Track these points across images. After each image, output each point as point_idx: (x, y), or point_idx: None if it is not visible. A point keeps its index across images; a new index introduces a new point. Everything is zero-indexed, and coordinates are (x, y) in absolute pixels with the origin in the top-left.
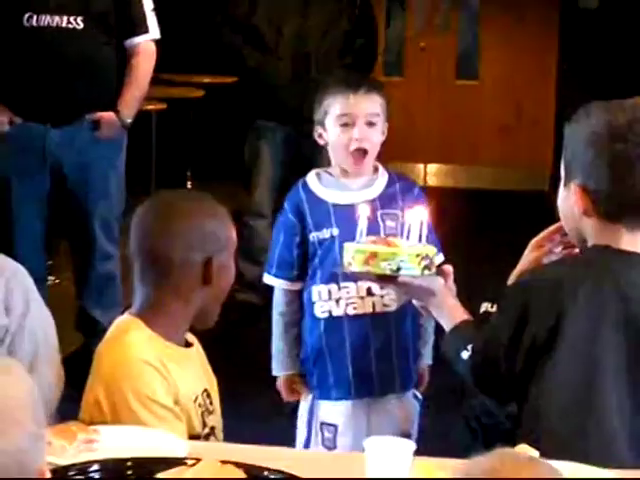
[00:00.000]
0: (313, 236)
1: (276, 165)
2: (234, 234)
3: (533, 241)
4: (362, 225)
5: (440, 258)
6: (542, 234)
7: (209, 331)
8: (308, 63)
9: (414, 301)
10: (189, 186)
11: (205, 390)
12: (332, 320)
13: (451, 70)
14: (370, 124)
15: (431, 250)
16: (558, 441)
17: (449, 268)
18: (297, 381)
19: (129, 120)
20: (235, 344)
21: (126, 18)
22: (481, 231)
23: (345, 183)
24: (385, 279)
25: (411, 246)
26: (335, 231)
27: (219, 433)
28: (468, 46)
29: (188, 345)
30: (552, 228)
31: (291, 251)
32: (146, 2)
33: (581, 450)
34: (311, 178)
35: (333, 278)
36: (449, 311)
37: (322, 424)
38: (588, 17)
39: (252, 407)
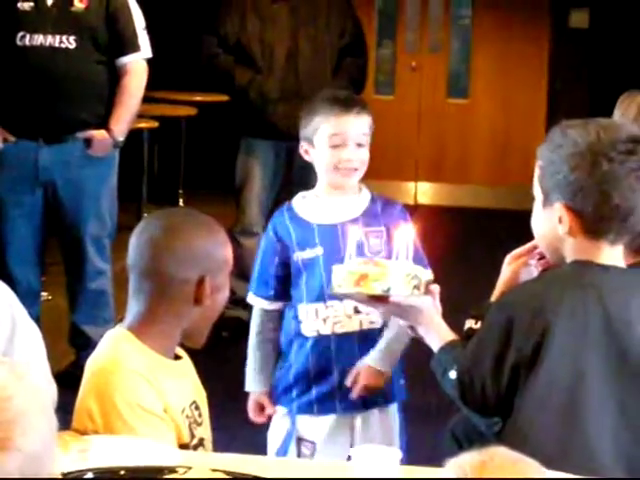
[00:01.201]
0: (297, 256)
1: (267, 183)
2: (230, 256)
3: (509, 255)
4: (351, 247)
5: (429, 274)
6: (519, 250)
7: None
8: (298, 83)
9: (401, 321)
10: (181, 203)
11: (194, 402)
12: (320, 339)
13: (442, 89)
14: (359, 145)
15: (420, 270)
16: (542, 455)
17: (435, 288)
18: (265, 400)
19: (121, 138)
20: (224, 359)
21: (118, 37)
22: (472, 249)
23: (329, 203)
24: (376, 299)
25: (400, 266)
26: (319, 250)
27: (208, 444)
28: (459, 65)
29: (177, 358)
30: (529, 246)
31: (269, 271)
32: (138, 21)
33: (564, 464)
34: (296, 200)
35: (319, 297)
36: (437, 331)
37: (299, 439)
38: (578, 37)
39: (240, 421)
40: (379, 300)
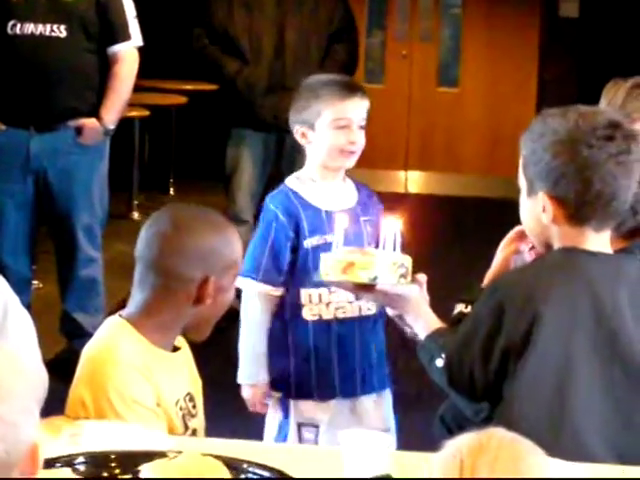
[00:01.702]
0: (307, 243)
1: (256, 172)
2: (240, 256)
3: (503, 242)
4: (339, 235)
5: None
6: (511, 234)
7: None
8: (285, 74)
9: (389, 309)
10: (171, 192)
11: (188, 394)
12: (321, 323)
13: (432, 77)
14: (361, 127)
15: (407, 259)
16: (531, 441)
17: (423, 277)
18: (267, 389)
19: (112, 126)
20: (217, 348)
21: (108, 25)
22: (461, 238)
23: (328, 189)
24: (362, 288)
25: (387, 255)
26: (330, 237)
27: (201, 435)
28: (449, 54)
29: (176, 349)
30: (518, 230)
31: (281, 258)
32: (128, 9)
33: (554, 451)
34: (296, 184)
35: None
36: (424, 319)
37: (300, 425)
38: (569, 26)
39: (233, 410)
40: (366, 289)
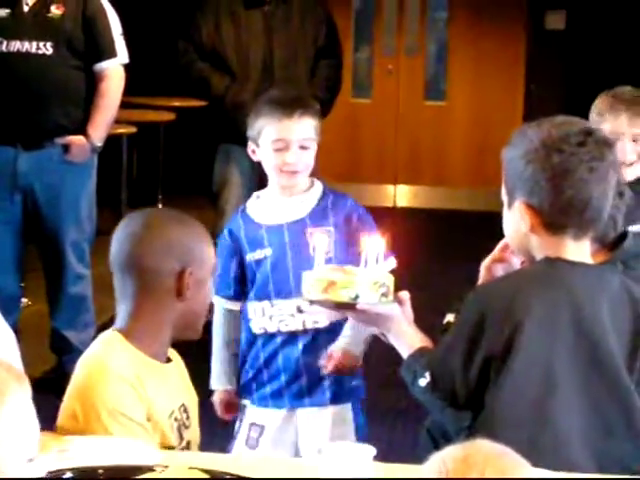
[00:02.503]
0: (249, 257)
1: (244, 187)
2: (212, 255)
3: (484, 265)
4: (320, 254)
5: (392, 262)
6: (491, 257)
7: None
8: (273, 88)
9: (371, 328)
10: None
11: (182, 405)
12: (267, 336)
13: (419, 91)
14: (303, 147)
15: (389, 277)
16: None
17: (405, 295)
18: (233, 397)
19: (99, 144)
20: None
21: (95, 43)
22: (450, 250)
23: (278, 203)
24: (344, 307)
25: (368, 274)
26: (268, 251)
27: (194, 447)
28: (436, 68)
29: (169, 361)
30: (500, 246)
31: (228, 272)
32: (114, 27)
33: (535, 460)
34: (251, 202)
35: (266, 296)
36: (407, 338)
37: (251, 424)
38: (555, 38)
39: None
40: (347, 307)
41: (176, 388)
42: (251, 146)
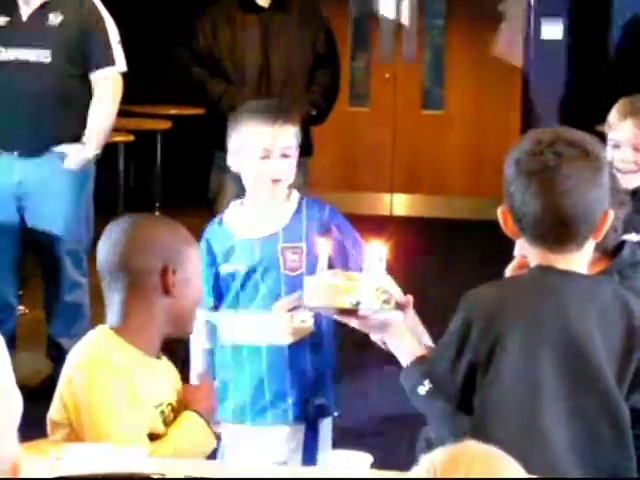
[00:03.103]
0: (222, 268)
1: (240, 195)
2: (195, 255)
3: (508, 270)
4: (322, 260)
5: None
6: (514, 261)
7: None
8: (270, 95)
9: (372, 335)
10: None
11: (170, 404)
12: (234, 347)
13: (416, 100)
14: (284, 156)
15: (391, 284)
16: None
17: (409, 298)
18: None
19: (96, 152)
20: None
21: (93, 51)
22: (447, 260)
23: (254, 215)
24: (345, 313)
25: (371, 280)
26: (239, 265)
27: None
28: (433, 76)
29: (159, 358)
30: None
31: (208, 281)
32: (112, 35)
33: (524, 462)
34: (229, 210)
35: (235, 308)
36: (407, 346)
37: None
38: (553, 48)
39: None
40: (348, 313)
41: (164, 385)
42: (230, 156)
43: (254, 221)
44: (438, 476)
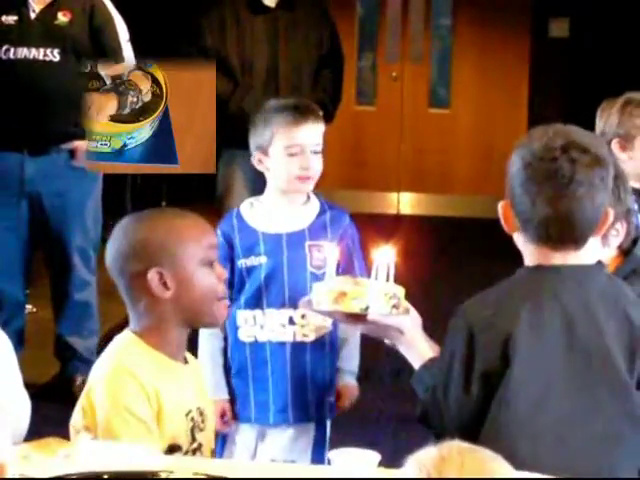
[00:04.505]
0: (241, 263)
1: (247, 191)
2: (193, 250)
3: None
4: (331, 265)
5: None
6: None
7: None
8: (278, 95)
9: (383, 339)
10: None
11: (199, 407)
12: (256, 345)
13: (423, 99)
14: (315, 152)
15: (399, 289)
16: (519, 454)
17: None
18: (229, 407)
19: None
20: None
21: (102, 49)
22: (455, 258)
23: (276, 212)
24: (354, 317)
25: (379, 285)
26: (263, 259)
27: (206, 451)
28: (440, 75)
29: (186, 362)
30: None
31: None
32: (122, 33)
33: (536, 465)
34: (244, 207)
35: (258, 304)
36: (417, 349)
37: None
38: (559, 46)
39: None
40: (357, 318)
41: (192, 389)
42: (257, 155)
43: (278, 218)
44: (433, 476)
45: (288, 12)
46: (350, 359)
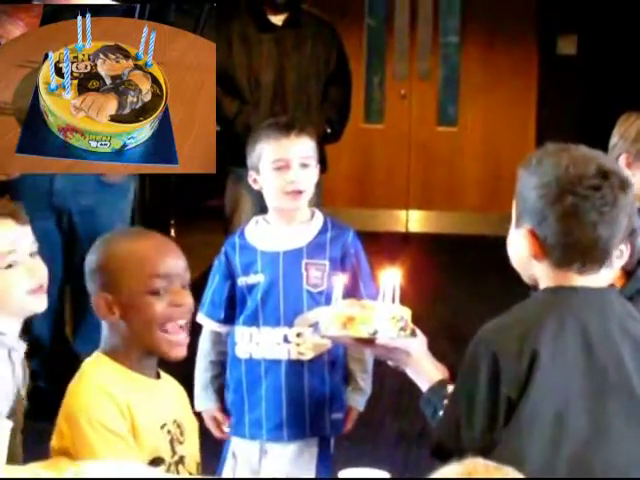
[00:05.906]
0: (241, 281)
1: (255, 210)
2: (137, 278)
3: None
4: (338, 291)
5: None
6: None
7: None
8: (285, 114)
9: (389, 362)
10: (172, 234)
11: (175, 421)
12: (252, 362)
13: (431, 117)
14: (304, 166)
15: (406, 311)
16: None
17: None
18: (220, 415)
19: None
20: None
21: None
22: (463, 276)
23: (276, 230)
24: (363, 342)
25: (386, 309)
26: (261, 277)
27: (191, 463)
28: (448, 93)
29: (159, 377)
30: None
31: (221, 294)
32: None
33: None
34: (249, 225)
35: (255, 322)
36: (425, 372)
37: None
38: (566, 64)
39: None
40: (366, 343)
41: (166, 403)
42: (252, 175)
43: (278, 236)
44: None
45: (295, 30)
46: (365, 380)
